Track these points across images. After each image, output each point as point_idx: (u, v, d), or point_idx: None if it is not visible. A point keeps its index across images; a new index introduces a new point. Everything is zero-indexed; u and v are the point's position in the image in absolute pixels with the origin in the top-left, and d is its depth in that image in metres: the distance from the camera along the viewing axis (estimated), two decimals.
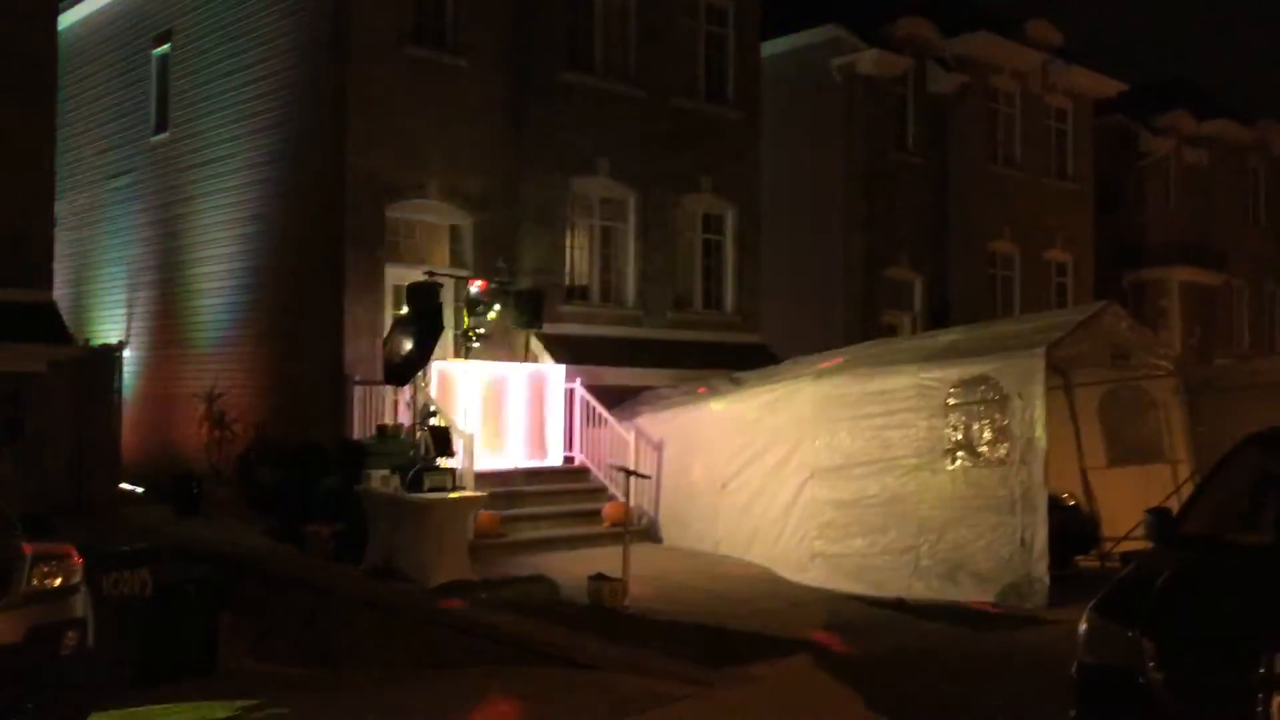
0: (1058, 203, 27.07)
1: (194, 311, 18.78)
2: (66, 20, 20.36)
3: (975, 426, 11.91)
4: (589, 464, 16.02)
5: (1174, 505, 8.01)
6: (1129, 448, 14.21)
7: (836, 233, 23.49)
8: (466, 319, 15.50)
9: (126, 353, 19.09)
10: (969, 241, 25.03)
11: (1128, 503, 12.32)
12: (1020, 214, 26.01)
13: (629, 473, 12.24)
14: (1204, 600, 5.80)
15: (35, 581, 7.42)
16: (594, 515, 14.99)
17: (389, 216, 16.47)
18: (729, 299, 20.53)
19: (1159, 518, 6.69)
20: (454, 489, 12.12)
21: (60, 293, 18.05)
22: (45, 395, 15.44)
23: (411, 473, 11.96)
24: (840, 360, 14.22)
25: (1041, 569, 11.14)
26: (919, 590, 11.78)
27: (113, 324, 20.55)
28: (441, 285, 14.10)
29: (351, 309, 15.84)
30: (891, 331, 23.09)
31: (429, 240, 17.40)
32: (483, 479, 13.69)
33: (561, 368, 16.33)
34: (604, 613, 10.66)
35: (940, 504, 11.98)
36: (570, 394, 16.05)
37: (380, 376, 14.10)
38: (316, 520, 13.20)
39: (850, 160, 23.45)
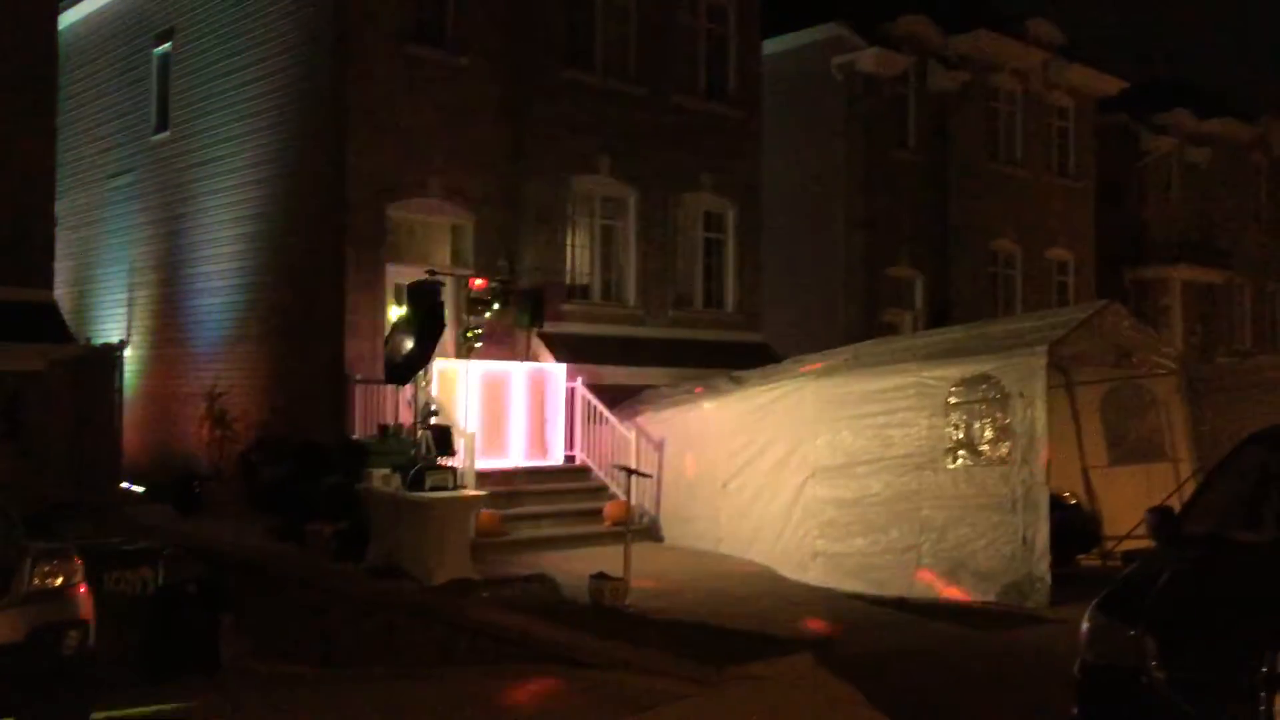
0: (1059, 201, 27.06)
1: (195, 310, 18.77)
2: (67, 20, 20.36)
3: (977, 425, 11.89)
4: (590, 463, 16.02)
5: (1176, 504, 7.98)
6: (1131, 446, 14.20)
7: (837, 231, 23.49)
8: (467, 318, 15.50)
9: (127, 352, 19.10)
10: (970, 240, 25.01)
11: (1129, 501, 12.32)
12: (1021, 212, 25.99)
13: (630, 471, 12.23)
14: (1206, 599, 5.80)
15: (36, 581, 7.42)
16: (595, 514, 14.98)
17: (390, 215, 16.47)
18: (730, 298, 20.52)
19: (1161, 517, 6.68)
20: (455, 488, 12.09)
21: (61, 292, 18.09)
22: (46, 395, 15.43)
23: (413, 472, 11.94)
24: (841, 359, 14.20)
25: (1043, 568, 11.11)
26: (920, 589, 11.77)
27: (113, 323, 20.55)
28: (442, 284, 14.06)
29: (352, 308, 15.85)
30: (892, 330, 23.05)
31: (430, 239, 17.39)
32: (484, 478, 13.72)
33: (562, 367, 16.33)
34: (605, 612, 10.64)
35: (942, 503, 11.95)
36: (571, 393, 16.05)
37: (381, 376, 14.09)
38: (318, 519, 13.19)
39: (851, 158, 23.44)
